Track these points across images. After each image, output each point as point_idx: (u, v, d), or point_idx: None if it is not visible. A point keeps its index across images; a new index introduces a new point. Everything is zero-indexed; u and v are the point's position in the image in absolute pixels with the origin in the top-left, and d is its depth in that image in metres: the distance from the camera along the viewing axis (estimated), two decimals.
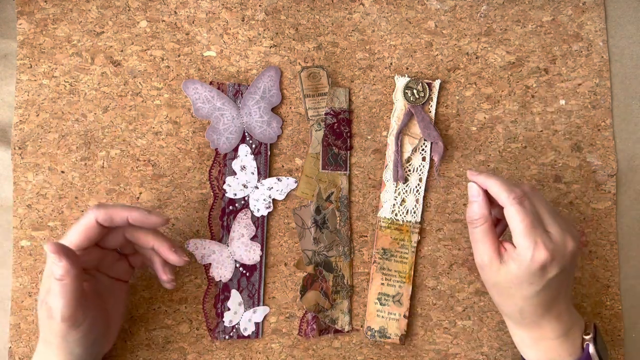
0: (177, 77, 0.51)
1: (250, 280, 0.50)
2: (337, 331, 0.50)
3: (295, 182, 0.51)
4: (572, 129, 0.52)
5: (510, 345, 0.51)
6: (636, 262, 0.52)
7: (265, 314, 0.50)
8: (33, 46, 0.51)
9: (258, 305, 0.50)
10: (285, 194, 0.51)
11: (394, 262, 0.51)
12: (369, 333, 0.50)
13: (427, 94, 0.51)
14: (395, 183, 0.50)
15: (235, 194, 0.50)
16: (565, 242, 0.41)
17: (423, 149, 0.51)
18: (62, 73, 0.51)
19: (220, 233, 0.50)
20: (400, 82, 0.51)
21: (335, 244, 0.50)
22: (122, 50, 0.51)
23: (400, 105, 0.51)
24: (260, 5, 0.52)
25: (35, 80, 0.51)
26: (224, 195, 0.50)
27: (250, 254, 0.50)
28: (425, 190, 0.51)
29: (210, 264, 0.50)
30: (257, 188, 0.50)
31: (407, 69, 0.52)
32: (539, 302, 0.42)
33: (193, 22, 0.52)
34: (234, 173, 0.50)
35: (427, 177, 0.51)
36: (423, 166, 0.51)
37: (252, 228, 0.50)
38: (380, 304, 0.50)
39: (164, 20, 0.52)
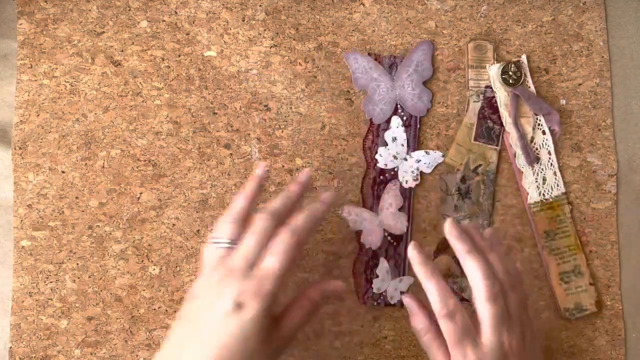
0: (177, 77, 0.51)
1: (397, 250, 0.51)
2: (463, 299, 0.51)
3: (443, 156, 0.51)
4: (572, 129, 0.52)
5: None
6: (636, 262, 0.52)
7: (409, 283, 0.51)
8: (33, 46, 0.51)
9: (403, 275, 0.51)
10: (433, 168, 0.51)
11: (559, 239, 0.51)
12: (567, 314, 0.51)
13: (522, 72, 0.51)
14: (531, 167, 0.51)
15: (386, 165, 0.51)
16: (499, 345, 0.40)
17: (539, 124, 0.52)
18: (62, 73, 0.51)
19: (370, 202, 0.51)
20: (493, 70, 0.52)
21: (475, 216, 0.51)
22: (122, 50, 0.51)
23: (502, 94, 0.51)
24: (260, 5, 0.52)
25: (35, 80, 0.51)
26: (375, 165, 0.51)
27: (398, 224, 0.51)
28: (557, 159, 0.52)
29: (361, 230, 0.51)
30: (406, 160, 0.51)
31: None
32: None
33: (193, 22, 0.52)
34: (385, 144, 0.51)
35: (556, 148, 0.52)
36: (547, 139, 0.52)
37: (400, 199, 0.51)
38: (565, 283, 0.51)
39: (164, 20, 0.52)
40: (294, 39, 0.52)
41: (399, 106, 0.52)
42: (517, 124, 0.51)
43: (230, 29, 0.52)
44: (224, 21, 0.52)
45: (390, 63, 0.52)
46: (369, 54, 0.52)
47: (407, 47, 0.53)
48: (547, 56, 0.53)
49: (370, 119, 0.52)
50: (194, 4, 0.52)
